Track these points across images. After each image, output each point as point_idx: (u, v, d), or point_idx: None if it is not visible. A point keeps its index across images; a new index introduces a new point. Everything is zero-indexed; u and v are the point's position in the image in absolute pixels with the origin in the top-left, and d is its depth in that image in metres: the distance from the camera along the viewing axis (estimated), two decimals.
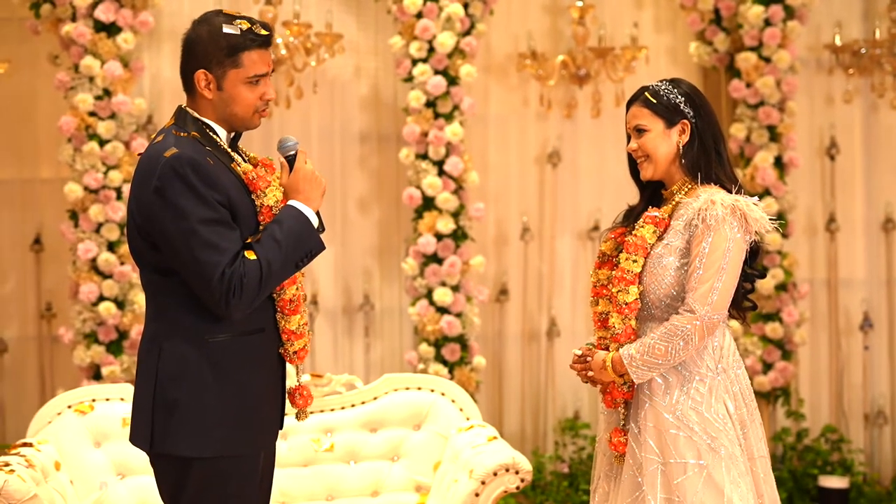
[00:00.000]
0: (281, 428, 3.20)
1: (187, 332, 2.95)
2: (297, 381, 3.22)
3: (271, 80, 3.08)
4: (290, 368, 3.45)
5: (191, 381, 2.94)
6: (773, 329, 5.90)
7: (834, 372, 6.32)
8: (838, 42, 6.09)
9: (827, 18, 6.19)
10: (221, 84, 2.99)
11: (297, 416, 3.22)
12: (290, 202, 3.02)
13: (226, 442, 2.97)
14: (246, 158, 3.09)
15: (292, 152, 3.08)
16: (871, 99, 6.28)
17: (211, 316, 2.93)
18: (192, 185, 2.87)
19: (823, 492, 5.89)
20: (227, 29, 2.97)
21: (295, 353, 3.10)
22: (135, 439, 3.07)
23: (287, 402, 3.22)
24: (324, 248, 3.05)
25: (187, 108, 3.05)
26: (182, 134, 2.98)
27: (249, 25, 3.00)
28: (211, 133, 3.03)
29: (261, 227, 2.99)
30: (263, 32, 3.02)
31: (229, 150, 3.06)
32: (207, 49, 2.97)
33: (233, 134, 3.09)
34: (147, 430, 2.98)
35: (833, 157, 6.27)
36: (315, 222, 3.03)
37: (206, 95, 3.00)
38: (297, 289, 3.08)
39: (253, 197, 3.00)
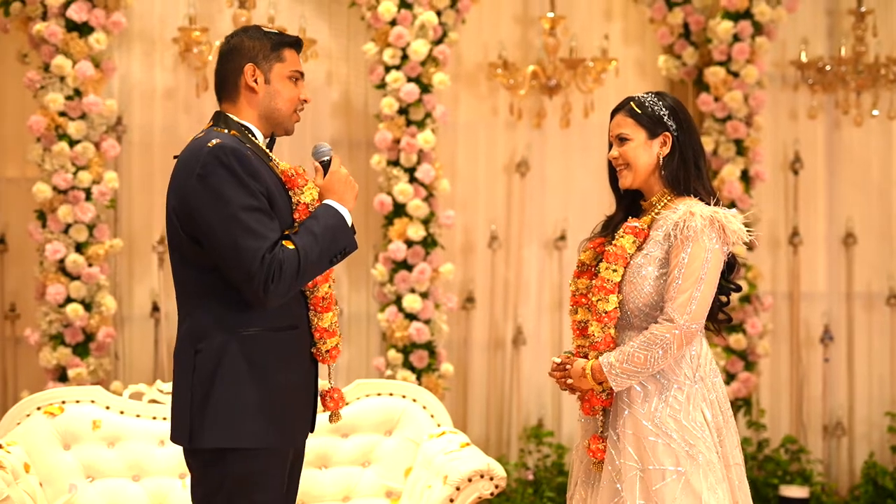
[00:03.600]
0: (312, 430, 3.24)
1: (221, 327, 3.03)
2: (330, 382, 3.27)
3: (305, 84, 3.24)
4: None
5: (225, 375, 3.01)
6: (736, 340, 5.98)
7: (794, 383, 6.41)
8: (804, 58, 6.19)
9: (793, 35, 6.28)
10: (268, 77, 3.15)
11: (330, 419, 3.28)
12: (326, 201, 3.14)
13: (259, 434, 3.03)
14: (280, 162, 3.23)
15: (327, 157, 3.21)
16: (834, 115, 6.39)
17: (244, 309, 3.02)
18: (235, 173, 2.98)
19: (784, 501, 5.98)
20: (266, 29, 3.20)
21: (327, 351, 3.18)
22: (175, 437, 3.13)
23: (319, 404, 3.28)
24: (356, 247, 3.18)
25: (226, 113, 3.17)
26: (223, 131, 3.10)
27: (281, 31, 3.25)
28: (249, 135, 3.15)
29: (296, 224, 3.08)
30: (293, 35, 3.25)
31: (267, 151, 3.18)
32: (254, 46, 3.16)
33: (267, 140, 3.21)
34: (186, 426, 3.05)
35: (797, 171, 6.37)
36: (349, 222, 3.14)
37: (255, 89, 3.14)
38: (329, 287, 3.18)
39: (290, 194, 3.10)
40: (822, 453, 6.41)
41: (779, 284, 6.41)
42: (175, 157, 3.17)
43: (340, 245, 3.09)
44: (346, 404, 3.32)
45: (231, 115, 3.15)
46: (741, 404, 6.06)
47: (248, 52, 3.13)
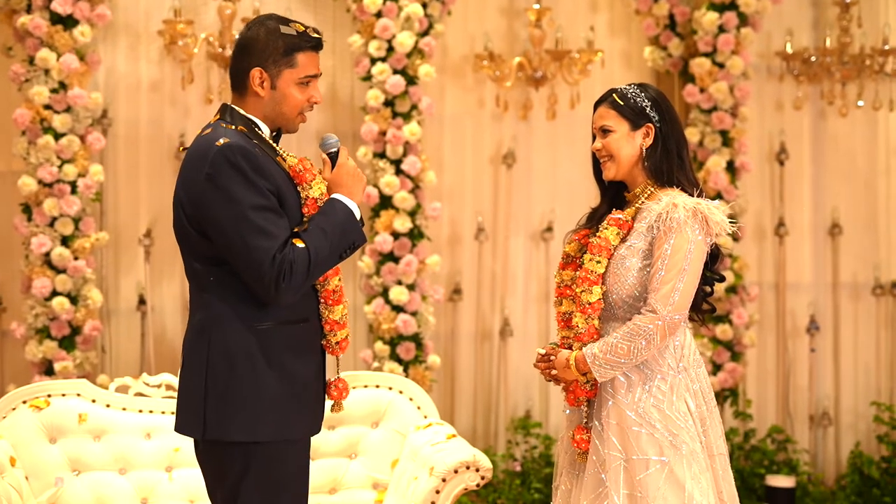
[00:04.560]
0: (319, 430, 3.24)
1: (235, 320, 3.04)
2: (337, 373, 3.28)
3: (318, 83, 3.18)
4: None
5: (242, 368, 3.03)
6: (722, 331, 5.99)
7: (781, 373, 6.43)
8: (789, 49, 6.20)
9: (778, 26, 6.29)
10: (275, 83, 3.10)
11: (332, 408, 3.30)
12: (335, 196, 3.13)
13: (280, 426, 3.06)
14: (288, 155, 3.19)
15: (334, 149, 3.19)
16: (820, 106, 6.40)
17: (257, 304, 3.03)
18: (243, 172, 2.97)
19: (770, 491, 6.00)
20: (284, 30, 3.10)
21: (337, 343, 3.20)
22: (183, 428, 3.14)
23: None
24: (366, 240, 3.18)
25: (233, 105, 3.15)
26: (230, 126, 3.08)
27: (304, 28, 3.13)
28: (256, 129, 3.12)
29: (305, 219, 3.08)
30: (316, 36, 3.15)
31: (274, 145, 3.15)
32: (265, 48, 3.08)
33: (274, 134, 3.18)
34: (199, 417, 3.05)
35: (782, 162, 6.38)
36: (358, 215, 3.14)
37: (259, 93, 3.10)
38: (339, 280, 3.19)
39: (299, 189, 3.09)
40: (809, 443, 6.44)
41: (765, 275, 6.43)
42: (184, 148, 3.16)
43: (350, 240, 3.10)
44: (348, 394, 3.32)
45: (238, 109, 3.12)
46: (728, 394, 6.08)
47: (258, 54, 3.08)
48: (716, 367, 6.02)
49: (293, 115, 3.14)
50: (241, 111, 3.13)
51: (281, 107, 3.11)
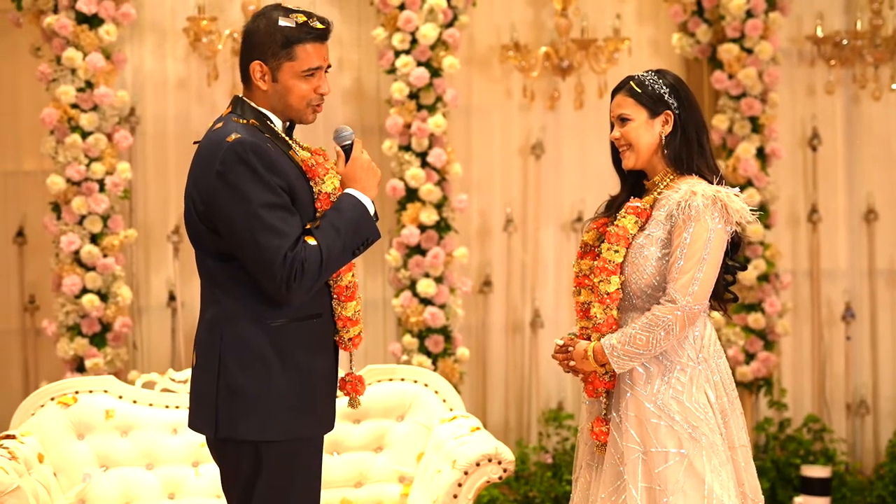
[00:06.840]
0: (332, 427, 3.22)
1: (248, 317, 3.01)
2: (351, 368, 3.27)
3: (326, 74, 3.11)
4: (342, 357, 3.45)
5: (255, 365, 3.00)
6: (755, 319, 5.91)
7: (816, 362, 6.35)
8: (820, 33, 6.11)
9: (808, 10, 6.21)
10: (276, 76, 3.06)
11: (350, 404, 3.28)
12: (348, 190, 3.08)
13: (292, 425, 3.03)
14: (301, 147, 3.14)
15: (348, 142, 3.14)
16: (852, 90, 6.31)
17: (269, 300, 2.99)
18: (254, 170, 2.93)
19: (806, 481, 5.92)
20: (282, 22, 3.03)
21: (350, 340, 3.17)
22: (196, 425, 3.12)
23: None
24: (380, 236, 3.13)
25: (244, 98, 3.11)
26: (241, 121, 3.04)
27: (306, 19, 3.05)
28: (268, 122, 3.08)
29: (318, 214, 3.04)
30: (319, 26, 3.07)
31: (286, 138, 3.11)
32: (263, 41, 3.04)
33: (287, 124, 3.14)
34: (211, 415, 3.03)
35: (815, 148, 6.29)
36: (372, 211, 3.09)
37: (261, 87, 3.07)
38: (352, 276, 3.15)
39: (311, 184, 3.05)
40: (846, 432, 6.35)
41: (799, 262, 6.35)
42: (195, 142, 3.13)
43: (363, 236, 3.05)
44: (364, 390, 3.31)
45: (249, 102, 3.09)
46: (762, 384, 6.00)
47: (258, 46, 3.04)
48: (748, 357, 5.95)
49: (301, 107, 3.09)
50: (253, 104, 3.10)
51: (286, 99, 3.07)
